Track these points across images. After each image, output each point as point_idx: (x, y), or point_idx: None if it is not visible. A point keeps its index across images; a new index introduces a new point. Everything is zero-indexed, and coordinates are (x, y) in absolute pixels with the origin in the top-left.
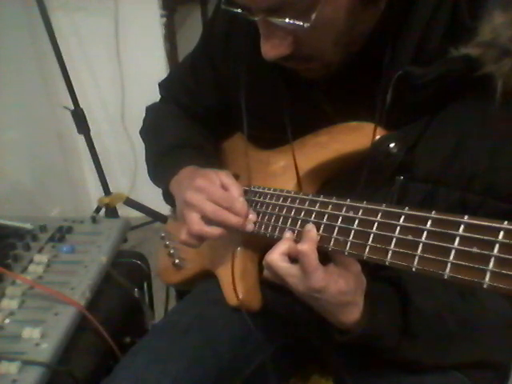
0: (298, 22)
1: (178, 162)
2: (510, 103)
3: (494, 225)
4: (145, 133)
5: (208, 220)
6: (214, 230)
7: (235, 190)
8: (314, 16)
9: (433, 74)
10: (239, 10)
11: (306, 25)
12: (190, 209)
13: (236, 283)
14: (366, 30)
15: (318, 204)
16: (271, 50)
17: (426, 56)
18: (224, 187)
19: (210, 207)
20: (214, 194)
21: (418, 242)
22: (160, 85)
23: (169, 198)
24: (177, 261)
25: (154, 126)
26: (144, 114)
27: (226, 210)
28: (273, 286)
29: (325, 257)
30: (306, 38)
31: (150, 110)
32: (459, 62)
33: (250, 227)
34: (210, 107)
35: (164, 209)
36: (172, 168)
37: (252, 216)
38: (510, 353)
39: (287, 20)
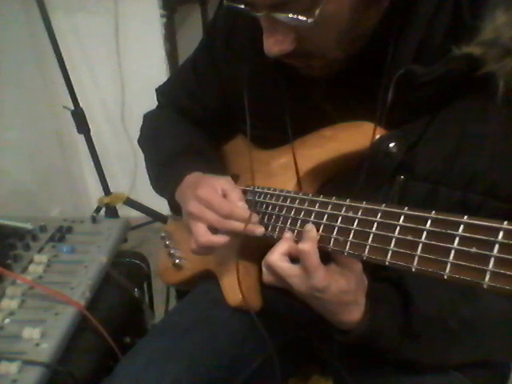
0: (301, 18)
1: (180, 171)
2: (511, 102)
3: (493, 225)
4: (143, 142)
5: (214, 229)
6: (221, 238)
7: (234, 196)
8: (317, 12)
9: (434, 73)
10: (242, 6)
11: (309, 20)
12: (194, 220)
13: (236, 283)
14: (369, 28)
15: (317, 204)
16: (274, 46)
17: (428, 55)
18: (224, 194)
19: (213, 217)
20: (213, 203)
21: (418, 242)
22: (157, 90)
23: (175, 207)
24: (177, 261)
25: (153, 135)
26: (144, 114)
27: (227, 217)
28: (273, 287)
29: (326, 257)
30: (309, 34)
31: (148, 117)
32: (461, 61)
33: (259, 231)
34: (211, 108)
35: (164, 209)
36: (175, 178)
37: (254, 218)
38: (510, 353)
39: (291, 15)
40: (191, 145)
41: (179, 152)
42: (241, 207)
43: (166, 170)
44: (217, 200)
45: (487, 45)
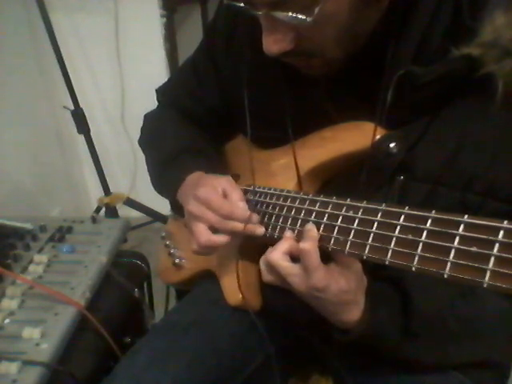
0: (301, 16)
1: (182, 170)
2: (510, 103)
3: (493, 224)
4: (144, 142)
5: (215, 229)
6: (222, 238)
7: (235, 196)
8: (317, 10)
9: (434, 73)
10: (242, 5)
11: (308, 19)
12: (194, 220)
13: (236, 283)
14: (369, 28)
15: (318, 204)
16: (273, 45)
17: (428, 55)
18: (224, 194)
19: (213, 218)
20: (214, 203)
21: (418, 242)
22: (158, 91)
23: (177, 208)
24: (177, 260)
25: (154, 135)
26: (144, 114)
27: (227, 218)
28: (273, 286)
29: (326, 256)
30: (308, 33)
31: (149, 117)
32: (460, 61)
33: (260, 230)
34: (212, 108)
35: (164, 209)
36: (176, 178)
37: (255, 218)
38: (510, 353)
39: (290, 14)
40: (192, 144)
41: (180, 151)
42: (241, 207)
43: (167, 170)
44: (217, 200)
45: (486, 46)
